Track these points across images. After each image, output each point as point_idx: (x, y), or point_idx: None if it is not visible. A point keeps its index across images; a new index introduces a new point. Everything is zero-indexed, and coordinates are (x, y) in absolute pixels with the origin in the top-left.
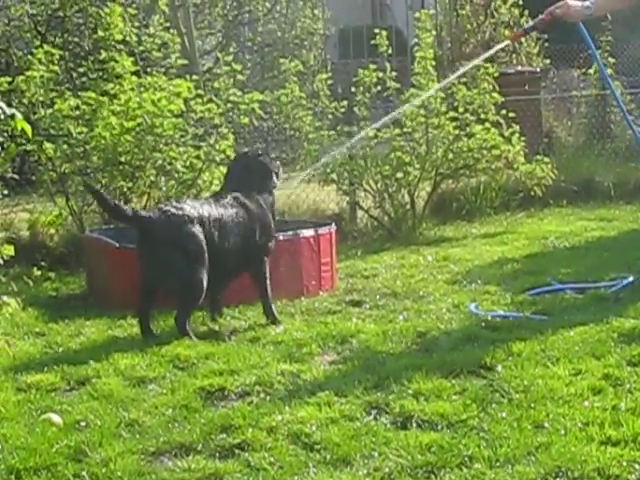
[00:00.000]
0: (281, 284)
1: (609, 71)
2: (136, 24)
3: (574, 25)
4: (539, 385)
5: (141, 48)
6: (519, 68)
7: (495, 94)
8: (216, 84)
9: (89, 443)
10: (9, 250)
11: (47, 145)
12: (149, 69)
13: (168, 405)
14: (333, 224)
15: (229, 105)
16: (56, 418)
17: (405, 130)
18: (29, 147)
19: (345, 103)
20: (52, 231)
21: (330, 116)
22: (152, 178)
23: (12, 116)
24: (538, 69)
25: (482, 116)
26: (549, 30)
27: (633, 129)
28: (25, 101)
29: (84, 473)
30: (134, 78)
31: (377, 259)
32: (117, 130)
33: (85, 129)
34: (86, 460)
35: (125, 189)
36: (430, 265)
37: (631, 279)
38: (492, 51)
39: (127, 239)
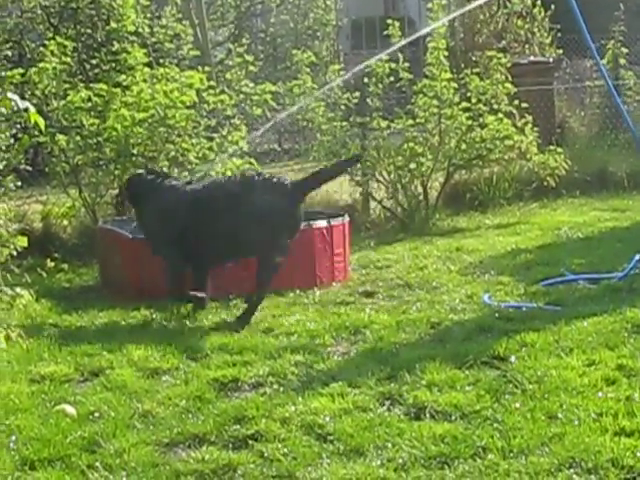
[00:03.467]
0: (294, 275)
1: (622, 61)
2: (148, 15)
3: None
4: (553, 376)
5: (153, 39)
6: (532, 58)
7: (508, 84)
8: (228, 75)
9: (103, 434)
10: (22, 242)
11: (60, 137)
12: (161, 60)
13: (181, 396)
14: (346, 215)
15: (241, 96)
16: (70, 409)
17: (418, 121)
18: (42, 139)
19: (358, 94)
20: (65, 223)
21: (343, 107)
22: (165, 169)
23: (25, 108)
24: (551, 59)
25: (495, 106)
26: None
27: (625, 117)
28: (38, 93)
29: (98, 464)
30: (146, 69)
31: (390, 250)
32: (129, 122)
33: (97, 121)
34: (100, 451)
35: None
36: (443, 256)
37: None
38: None
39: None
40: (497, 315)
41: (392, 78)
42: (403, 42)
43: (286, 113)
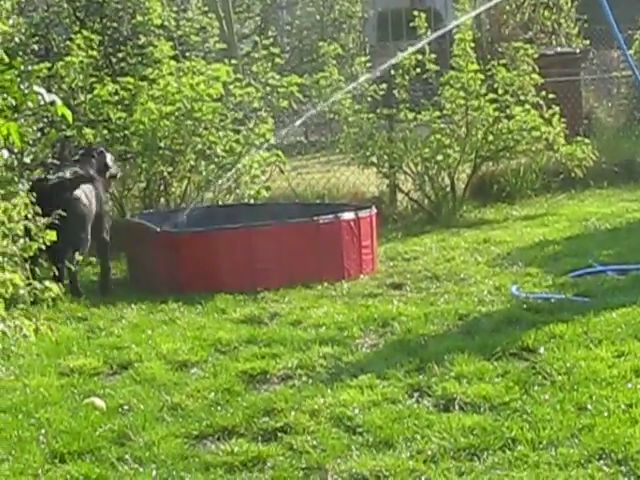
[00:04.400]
0: (322, 267)
1: None
2: (174, 8)
3: None
4: (581, 367)
5: (179, 32)
6: (558, 49)
7: (535, 75)
8: (255, 68)
9: (132, 427)
10: (51, 235)
11: (87, 130)
12: (187, 54)
13: (210, 389)
14: (373, 207)
15: (268, 89)
16: (99, 402)
17: (445, 112)
18: (69, 132)
19: (384, 86)
20: None
21: (369, 99)
22: (192, 162)
23: (52, 102)
24: (578, 50)
25: (522, 98)
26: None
27: None
28: (64, 86)
29: (127, 457)
30: (173, 63)
31: (417, 242)
32: (156, 115)
33: (124, 114)
34: (129, 444)
35: (165, 173)
36: (471, 247)
37: None
38: None
39: (168, 223)
40: (525, 306)
41: (418, 70)
42: (433, 36)
43: (318, 109)
